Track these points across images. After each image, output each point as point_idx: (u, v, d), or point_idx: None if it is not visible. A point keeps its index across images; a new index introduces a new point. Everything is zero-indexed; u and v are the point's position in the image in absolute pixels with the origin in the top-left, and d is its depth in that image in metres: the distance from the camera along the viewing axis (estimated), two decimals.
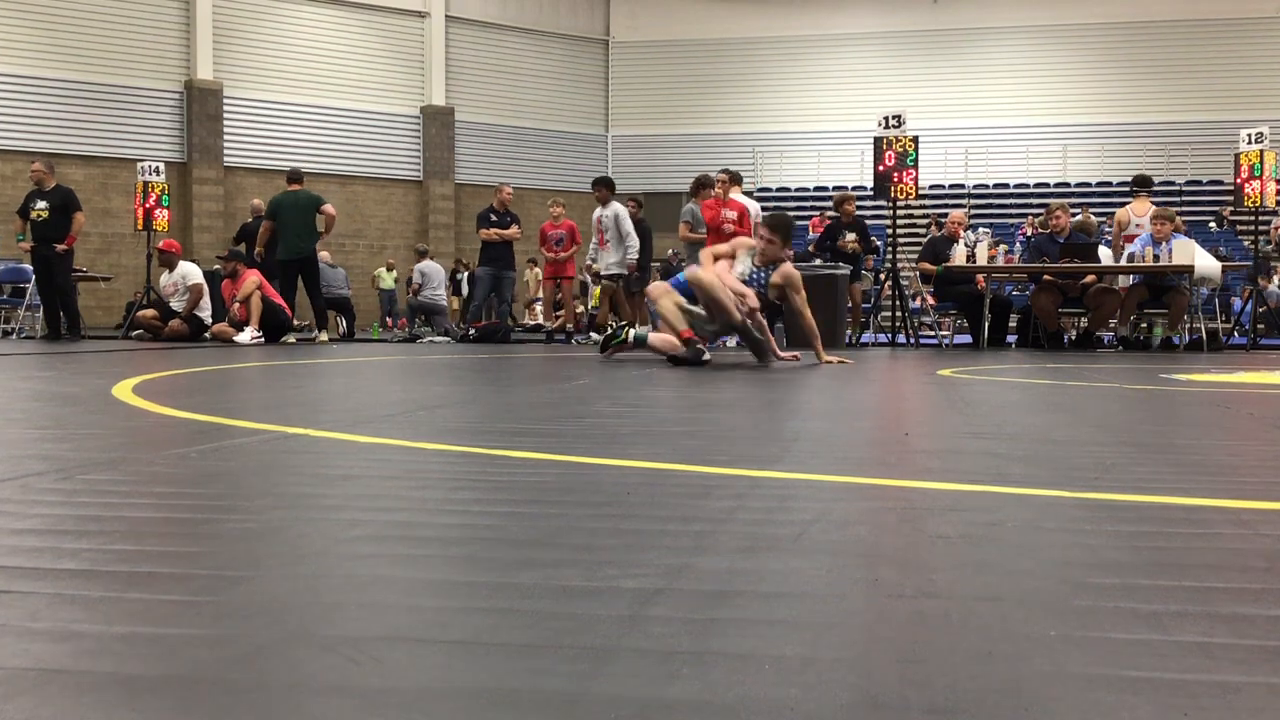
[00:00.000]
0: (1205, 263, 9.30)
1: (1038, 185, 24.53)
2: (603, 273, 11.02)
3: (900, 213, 12.35)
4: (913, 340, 10.72)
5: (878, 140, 10.42)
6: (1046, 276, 9.73)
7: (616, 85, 26.38)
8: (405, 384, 4.41)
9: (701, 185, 9.91)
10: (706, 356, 5.86)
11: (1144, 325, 10.26)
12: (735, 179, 9.16)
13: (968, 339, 10.58)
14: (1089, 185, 24.33)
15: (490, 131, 24.56)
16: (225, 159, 21.64)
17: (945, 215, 13.24)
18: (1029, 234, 17.06)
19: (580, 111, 25.96)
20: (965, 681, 0.82)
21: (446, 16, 24.03)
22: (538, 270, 17.69)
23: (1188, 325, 9.76)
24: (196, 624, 0.97)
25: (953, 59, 25.24)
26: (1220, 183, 22.43)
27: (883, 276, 11.58)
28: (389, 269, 20.03)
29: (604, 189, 10.75)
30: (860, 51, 25.59)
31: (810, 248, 11.60)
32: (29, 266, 10.87)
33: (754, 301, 6.07)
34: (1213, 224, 22.21)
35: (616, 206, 10.70)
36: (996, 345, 10.09)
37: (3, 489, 1.68)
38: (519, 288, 16.30)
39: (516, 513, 1.52)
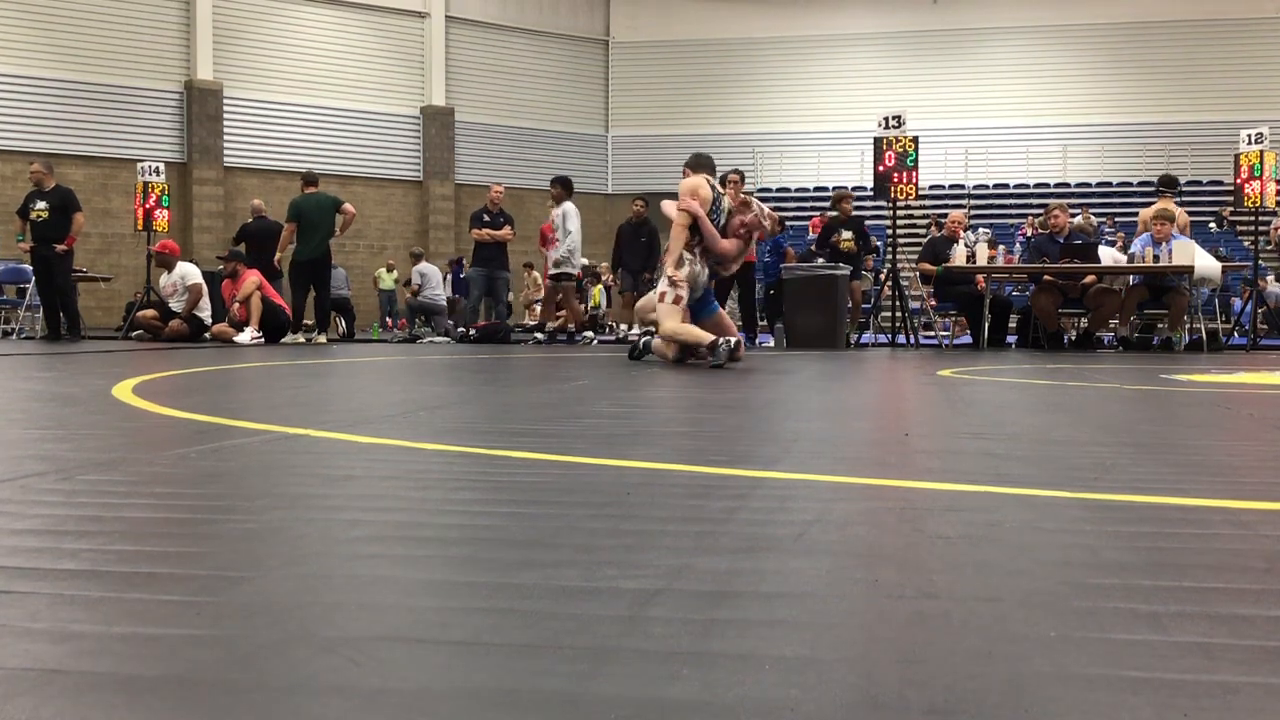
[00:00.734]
0: (1205, 263, 9.31)
1: (1038, 185, 24.53)
2: (550, 271, 10.94)
3: (900, 213, 12.35)
4: (913, 340, 10.72)
5: (878, 140, 10.42)
6: (1046, 277, 9.73)
7: (616, 85, 26.36)
8: (405, 384, 4.40)
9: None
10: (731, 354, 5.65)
11: (1159, 326, 10.09)
12: (742, 179, 9.18)
13: (968, 339, 10.58)
14: (1089, 185, 24.33)
15: (490, 132, 24.55)
16: (225, 159, 21.62)
17: (945, 215, 13.24)
18: (1029, 234, 17.08)
19: (580, 112, 25.95)
20: (965, 682, 0.82)
21: (446, 17, 24.02)
22: (535, 273, 17.66)
23: (1188, 325, 9.76)
24: (196, 624, 0.97)
25: (953, 59, 25.23)
26: (1220, 183, 22.42)
27: (883, 277, 11.58)
28: (389, 269, 20.01)
29: (559, 187, 10.66)
30: (860, 52, 25.58)
31: (811, 247, 11.62)
32: (29, 267, 10.87)
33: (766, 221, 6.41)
34: (1213, 224, 22.20)
35: (567, 205, 10.60)
36: (996, 346, 10.09)
37: (3, 489, 1.68)
38: (519, 289, 16.27)
39: (516, 513, 1.52)
